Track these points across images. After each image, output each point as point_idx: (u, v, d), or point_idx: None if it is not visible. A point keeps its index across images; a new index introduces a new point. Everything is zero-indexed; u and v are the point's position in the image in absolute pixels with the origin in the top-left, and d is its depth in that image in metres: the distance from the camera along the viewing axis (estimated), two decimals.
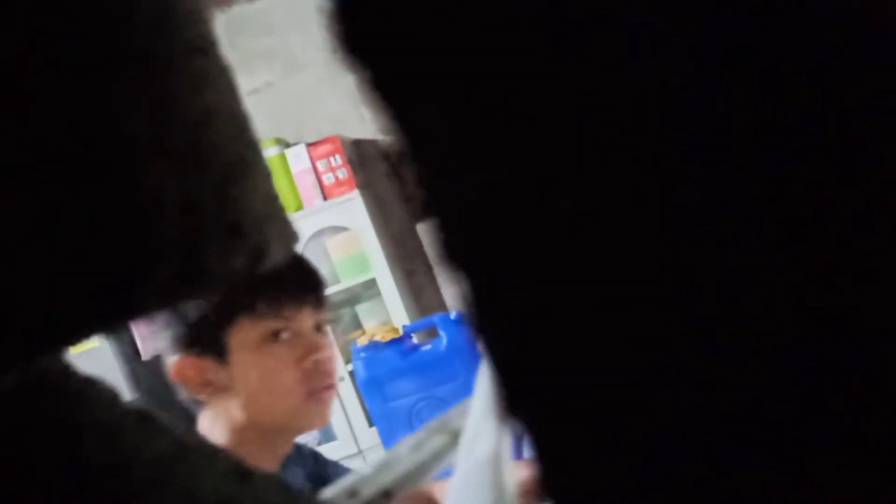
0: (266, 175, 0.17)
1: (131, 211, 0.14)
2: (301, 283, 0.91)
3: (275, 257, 0.16)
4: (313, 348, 0.89)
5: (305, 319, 0.90)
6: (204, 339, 0.87)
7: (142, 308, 0.14)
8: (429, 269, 2.68)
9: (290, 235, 0.17)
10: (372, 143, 2.71)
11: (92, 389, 0.15)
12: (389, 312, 2.50)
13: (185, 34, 0.15)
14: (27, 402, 0.14)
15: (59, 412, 0.15)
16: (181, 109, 0.15)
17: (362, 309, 2.59)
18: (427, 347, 2.11)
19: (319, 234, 2.51)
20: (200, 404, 0.91)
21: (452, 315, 2.11)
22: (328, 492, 0.27)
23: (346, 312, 2.61)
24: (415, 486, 0.26)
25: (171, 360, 0.89)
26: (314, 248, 2.52)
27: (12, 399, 0.14)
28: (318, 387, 0.89)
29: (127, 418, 0.15)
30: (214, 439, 0.85)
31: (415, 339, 2.23)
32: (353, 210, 2.47)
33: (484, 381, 0.27)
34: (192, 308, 0.87)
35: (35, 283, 0.14)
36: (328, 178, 2.48)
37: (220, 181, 0.16)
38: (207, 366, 0.87)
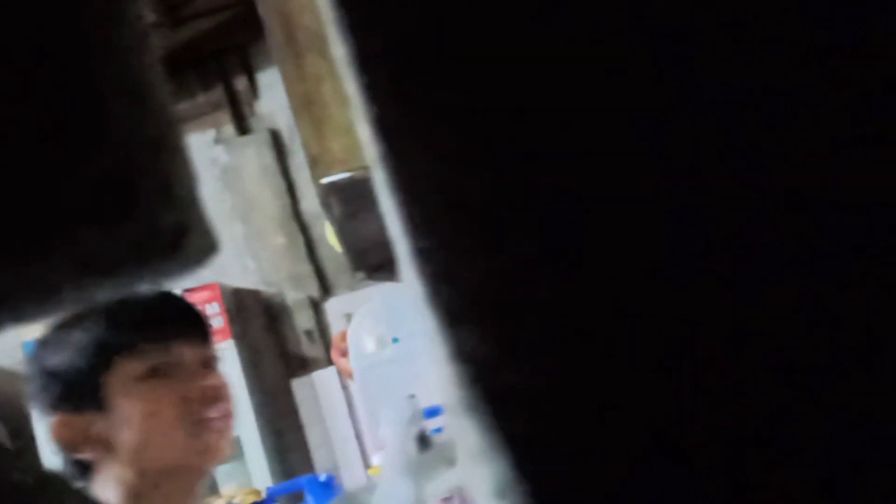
0: (193, 175, 0.16)
1: (79, 107, 0.13)
2: (181, 317, 0.87)
3: (195, 254, 0.15)
4: (197, 377, 0.84)
5: (187, 353, 0.85)
6: (79, 391, 0.81)
7: (73, 247, 0.13)
8: (298, 429, 2.56)
9: (212, 239, 0.16)
10: (253, 293, 2.66)
11: None
12: (251, 474, 2.35)
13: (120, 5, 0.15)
14: None
15: None
16: (116, 58, 0.15)
17: (221, 470, 2.41)
18: None
19: None
20: (87, 473, 0.82)
21: (322, 477, 2.00)
22: None
23: None
24: None
25: (50, 423, 0.82)
26: None
27: None
28: (205, 416, 0.83)
29: (34, 477, 0.14)
30: None
31: None
32: (224, 361, 2.37)
33: (394, 441, 0.25)
34: (63, 363, 0.81)
35: None
36: None
37: (154, 143, 0.15)
38: (87, 420, 0.81)
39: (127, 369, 0.82)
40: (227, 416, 0.87)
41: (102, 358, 0.82)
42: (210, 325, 0.92)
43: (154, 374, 0.83)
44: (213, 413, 0.85)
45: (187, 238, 0.16)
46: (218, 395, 0.86)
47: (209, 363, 0.88)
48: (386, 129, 0.15)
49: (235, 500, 1.83)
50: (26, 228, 0.14)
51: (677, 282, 0.14)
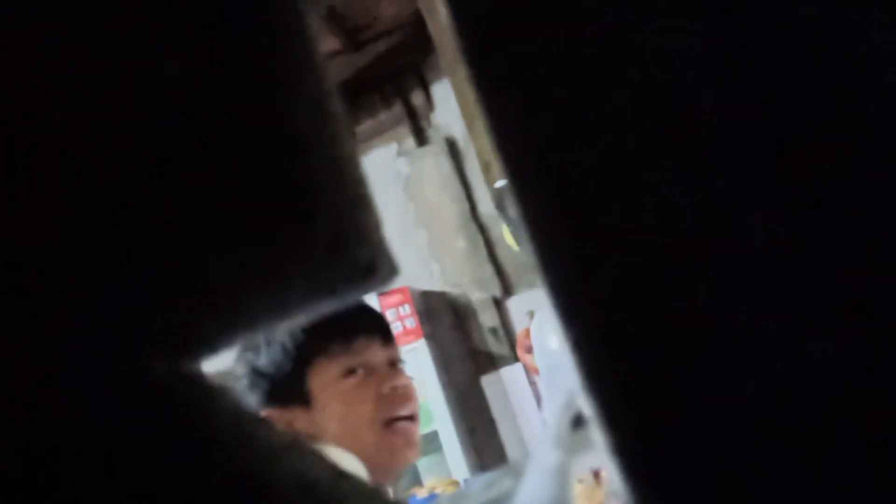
0: (379, 220, 0.22)
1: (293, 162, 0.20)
2: (367, 321, 0.96)
3: (382, 278, 0.21)
4: (389, 378, 0.92)
5: (377, 354, 0.93)
6: (285, 388, 0.91)
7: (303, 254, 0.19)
8: (491, 424, 2.65)
9: (394, 266, 0.21)
10: (440, 295, 2.78)
11: (219, 385, 0.20)
12: (450, 468, 2.45)
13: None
14: (187, 386, 0.19)
15: (202, 399, 0.19)
16: (325, 153, 0.20)
17: (422, 463, 2.55)
18: None
19: None
20: None
21: None
22: None
23: None
24: None
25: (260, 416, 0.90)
26: None
27: (178, 382, 0.19)
28: (396, 415, 0.90)
29: (243, 411, 0.20)
30: None
31: None
32: (417, 360, 2.51)
33: (552, 419, 0.29)
34: (271, 363, 0.91)
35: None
36: (396, 327, 2.54)
37: (352, 204, 0.21)
38: (293, 415, 0.91)
39: (327, 368, 0.91)
40: (415, 416, 0.93)
41: (303, 358, 0.91)
42: (390, 326, 0.99)
43: (351, 373, 0.92)
44: (403, 411, 0.91)
45: (377, 268, 0.21)
46: (407, 393, 0.93)
47: (395, 363, 0.95)
48: (508, 150, 0.20)
49: (437, 490, 1.94)
50: (278, 266, 0.20)
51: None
